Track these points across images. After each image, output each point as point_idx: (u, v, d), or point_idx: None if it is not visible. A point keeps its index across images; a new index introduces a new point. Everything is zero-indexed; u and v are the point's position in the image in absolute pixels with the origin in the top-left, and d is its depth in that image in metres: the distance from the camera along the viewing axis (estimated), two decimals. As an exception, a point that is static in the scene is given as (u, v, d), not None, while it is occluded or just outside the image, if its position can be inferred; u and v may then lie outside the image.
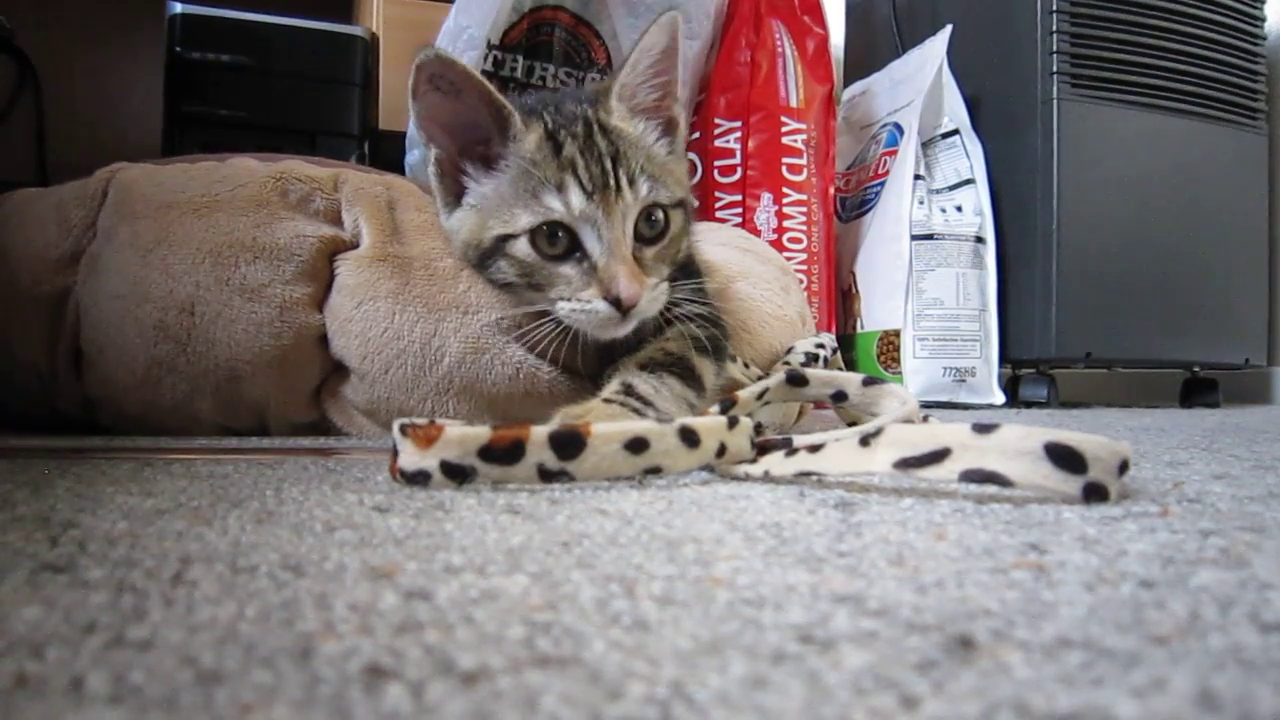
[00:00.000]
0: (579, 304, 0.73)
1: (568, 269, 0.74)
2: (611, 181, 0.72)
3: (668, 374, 0.74)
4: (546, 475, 0.52)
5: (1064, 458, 0.46)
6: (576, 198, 0.72)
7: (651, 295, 0.73)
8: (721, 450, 0.57)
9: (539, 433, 0.52)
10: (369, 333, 0.87)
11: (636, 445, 0.53)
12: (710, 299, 0.86)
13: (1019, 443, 0.47)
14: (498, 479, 0.52)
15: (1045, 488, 0.46)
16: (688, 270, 0.86)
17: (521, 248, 0.74)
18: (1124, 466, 0.48)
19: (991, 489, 0.49)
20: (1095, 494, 0.47)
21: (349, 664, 0.23)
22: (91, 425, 0.94)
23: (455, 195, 0.80)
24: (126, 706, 0.20)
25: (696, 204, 0.87)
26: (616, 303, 0.71)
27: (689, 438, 0.55)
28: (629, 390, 0.71)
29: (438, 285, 0.88)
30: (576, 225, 0.72)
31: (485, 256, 0.78)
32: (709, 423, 0.57)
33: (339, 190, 0.94)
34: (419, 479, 0.52)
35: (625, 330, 0.74)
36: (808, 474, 0.56)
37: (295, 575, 0.32)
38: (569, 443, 0.52)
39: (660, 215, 0.76)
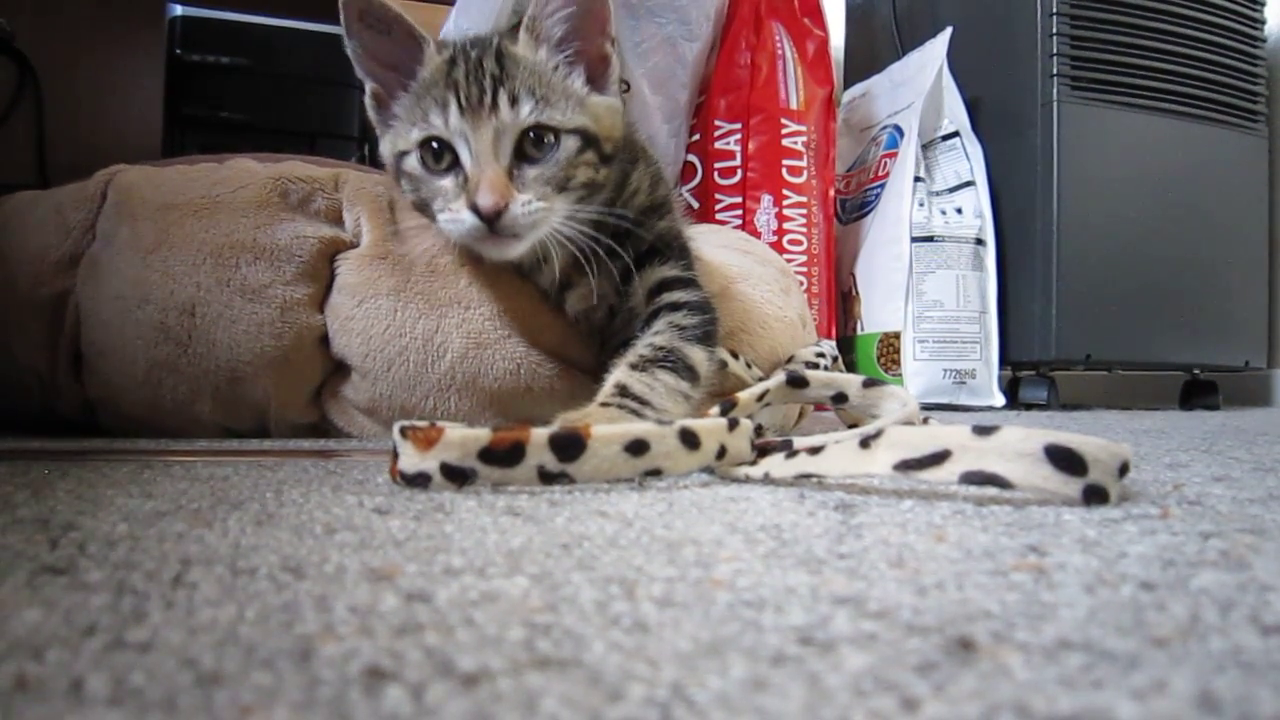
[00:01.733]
0: (450, 214, 0.75)
1: (446, 182, 0.76)
2: (488, 100, 0.74)
3: (659, 369, 0.74)
4: (547, 477, 0.52)
5: (1064, 460, 0.46)
6: (453, 114, 0.74)
7: (527, 211, 0.73)
8: (722, 452, 0.57)
9: (539, 435, 0.52)
10: (371, 330, 0.87)
11: (637, 447, 0.53)
12: (698, 282, 0.86)
13: (1019, 445, 0.47)
14: (498, 481, 0.52)
15: (1045, 490, 0.46)
16: (676, 252, 0.86)
17: (411, 162, 0.78)
18: (1124, 468, 0.48)
19: (992, 491, 0.49)
20: (1095, 496, 0.47)
21: (349, 666, 0.23)
22: (92, 427, 0.94)
23: (388, 122, 0.83)
24: (126, 708, 0.20)
25: (677, 192, 0.89)
26: (478, 211, 0.72)
27: (689, 439, 0.55)
28: (623, 391, 0.71)
29: (439, 281, 0.88)
30: (453, 139, 0.75)
31: (396, 177, 0.81)
32: (709, 424, 0.57)
33: (340, 190, 0.94)
34: (419, 481, 0.52)
35: (509, 251, 0.77)
36: (808, 476, 0.56)
37: (295, 577, 0.32)
38: (569, 445, 0.52)
39: (550, 139, 0.76)
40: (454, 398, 0.88)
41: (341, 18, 0.77)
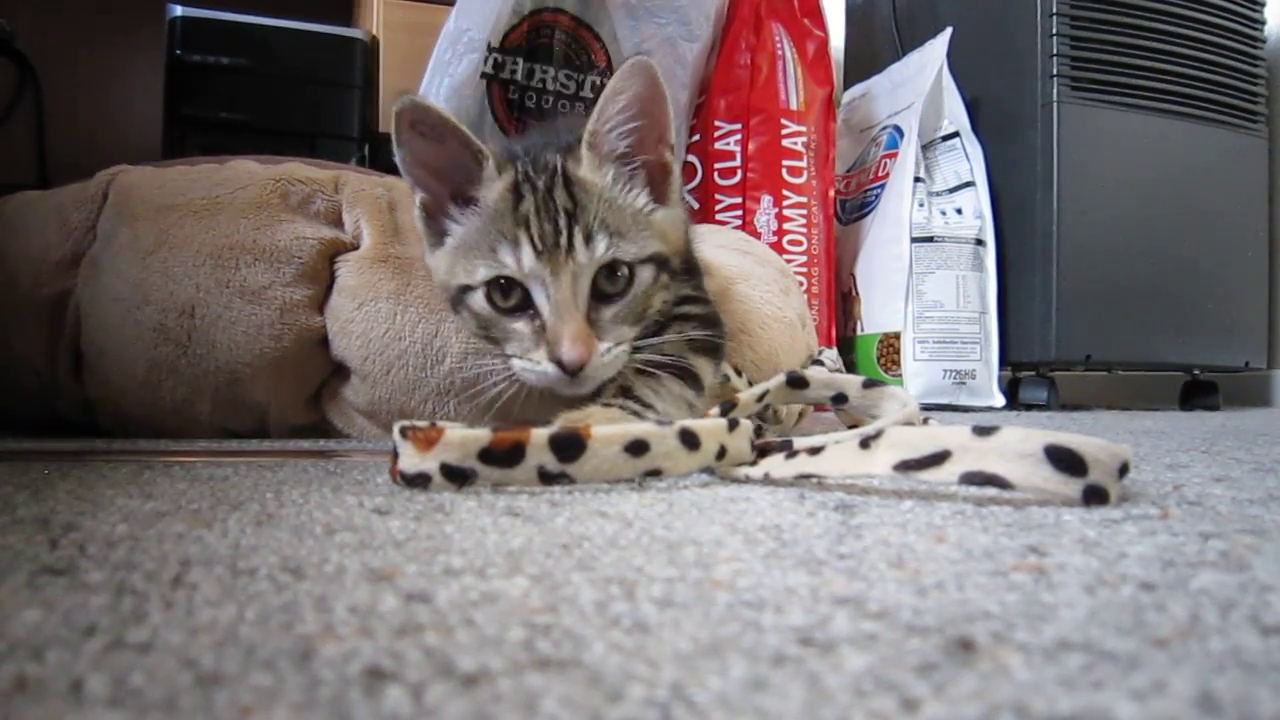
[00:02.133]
0: (529, 363, 0.72)
1: (520, 325, 0.73)
2: (564, 240, 0.70)
3: (665, 375, 0.74)
4: (547, 478, 0.52)
5: (1064, 460, 0.46)
6: (527, 256, 0.70)
7: (604, 361, 0.71)
8: (722, 452, 0.57)
9: (539, 435, 0.52)
10: (370, 333, 0.87)
11: (637, 448, 0.53)
12: (709, 299, 0.86)
13: (1019, 445, 0.47)
14: (498, 481, 0.52)
15: (1045, 490, 0.46)
16: (687, 269, 0.86)
17: (478, 300, 0.74)
18: (1124, 469, 0.48)
19: (991, 491, 0.49)
20: (1095, 496, 0.47)
21: (349, 666, 0.23)
22: (91, 427, 0.94)
23: (439, 235, 0.79)
24: (126, 709, 0.20)
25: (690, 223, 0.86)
26: (561, 365, 0.70)
27: (689, 440, 0.55)
28: (627, 393, 0.71)
29: (439, 285, 0.88)
30: (528, 282, 0.71)
31: (454, 303, 0.78)
32: (709, 425, 0.57)
33: (340, 192, 0.94)
34: (419, 481, 0.52)
35: (583, 390, 0.73)
36: (808, 476, 0.56)
37: (295, 578, 0.32)
38: (569, 445, 0.52)
39: (624, 271, 0.73)
40: (453, 401, 0.88)
41: (393, 126, 0.73)
